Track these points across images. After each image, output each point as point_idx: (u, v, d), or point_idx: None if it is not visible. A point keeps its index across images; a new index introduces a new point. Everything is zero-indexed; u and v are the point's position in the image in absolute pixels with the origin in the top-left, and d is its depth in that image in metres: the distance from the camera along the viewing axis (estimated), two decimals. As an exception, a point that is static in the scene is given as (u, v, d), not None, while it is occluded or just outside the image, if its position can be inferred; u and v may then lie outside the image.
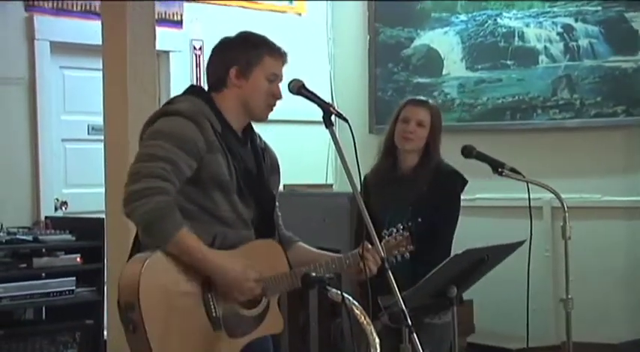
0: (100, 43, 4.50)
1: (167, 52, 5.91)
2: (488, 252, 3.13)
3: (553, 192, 3.66)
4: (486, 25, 5.95)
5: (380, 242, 2.75)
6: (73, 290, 4.93)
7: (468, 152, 3.67)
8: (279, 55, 2.85)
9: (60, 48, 5.53)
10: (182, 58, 6.02)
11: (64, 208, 5.55)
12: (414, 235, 2.89)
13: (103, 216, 4.54)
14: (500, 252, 3.22)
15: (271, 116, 2.89)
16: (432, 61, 6.20)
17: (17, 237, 4.90)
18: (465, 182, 3.75)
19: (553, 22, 5.71)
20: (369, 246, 2.73)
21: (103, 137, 4.54)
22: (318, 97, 2.72)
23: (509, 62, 5.88)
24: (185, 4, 5.99)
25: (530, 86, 5.80)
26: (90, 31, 5.08)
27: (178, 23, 6.00)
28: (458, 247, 3.33)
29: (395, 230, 2.90)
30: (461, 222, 3.77)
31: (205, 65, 2.93)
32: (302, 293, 4.01)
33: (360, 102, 6.48)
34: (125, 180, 2.61)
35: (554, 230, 5.27)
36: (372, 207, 3.39)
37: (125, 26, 4.32)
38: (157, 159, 2.59)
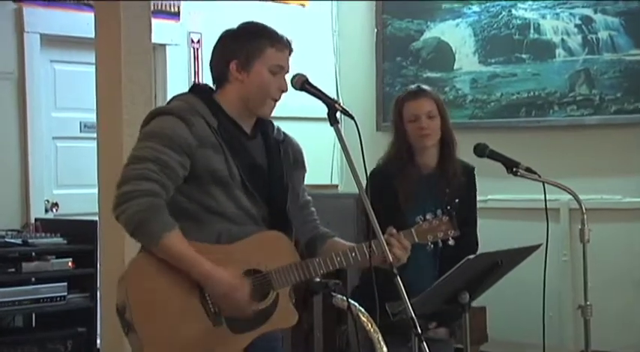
0: (93, 35, 4.49)
1: (164, 46, 5.89)
2: (502, 257, 3.13)
3: (571, 193, 3.67)
4: (500, 16, 5.93)
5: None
6: (64, 296, 4.92)
7: (480, 151, 3.64)
8: (283, 46, 2.80)
9: (50, 41, 5.51)
10: (179, 52, 6.00)
11: (54, 210, 5.54)
12: (455, 220, 2.86)
13: (95, 218, 4.53)
14: (514, 257, 3.21)
15: (273, 113, 2.86)
16: (443, 54, 6.18)
17: (5, 240, 4.88)
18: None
19: (571, 14, 5.68)
20: (394, 231, 2.75)
21: (95, 135, 4.54)
22: (323, 93, 2.71)
23: (524, 56, 5.84)
24: (182, -6, 6.06)
25: (547, 81, 5.77)
26: (82, 23, 5.10)
27: (175, 15, 5.96)
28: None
29: (433, 215, 2.86)
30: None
31: (208, 59, 2.91)
32: (306, 298, 3.93)
33: (366, 98, 6.44)
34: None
35: (572, 233, 5.27)
36: (398, 216, 3.30)
37: (119, 18, 4.31)
38: (145, 160, 2.63)
